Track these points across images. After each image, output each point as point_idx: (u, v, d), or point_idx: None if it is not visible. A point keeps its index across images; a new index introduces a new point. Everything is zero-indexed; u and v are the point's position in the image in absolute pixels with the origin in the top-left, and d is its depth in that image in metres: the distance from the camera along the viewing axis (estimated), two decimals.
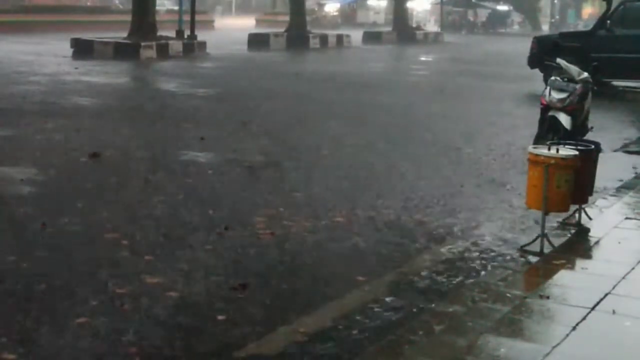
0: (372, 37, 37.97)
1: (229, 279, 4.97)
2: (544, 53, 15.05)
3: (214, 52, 25.02)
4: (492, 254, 5.72)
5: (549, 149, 5.79)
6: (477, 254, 5.73)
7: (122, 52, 22.19)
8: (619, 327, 4.29)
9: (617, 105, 15.10)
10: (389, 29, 42.50)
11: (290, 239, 5.95)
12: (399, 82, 19.71)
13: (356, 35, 36.11)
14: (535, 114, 8.76)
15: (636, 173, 8.65)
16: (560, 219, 6.41)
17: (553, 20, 64.29)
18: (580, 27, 47.02)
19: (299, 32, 31.64)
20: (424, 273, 5.29)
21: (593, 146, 6.43)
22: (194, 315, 4.47)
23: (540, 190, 5.66)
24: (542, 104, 8.11)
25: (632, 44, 16.61)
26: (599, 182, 6.98)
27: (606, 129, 11.30)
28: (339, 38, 33.51)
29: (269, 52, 28.09)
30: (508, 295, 4.70)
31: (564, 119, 7.81)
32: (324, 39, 32.34)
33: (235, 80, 18.01)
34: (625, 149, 10.38)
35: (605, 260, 5.55)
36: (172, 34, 26.03)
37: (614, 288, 4.81)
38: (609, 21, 17.13)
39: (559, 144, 6.08)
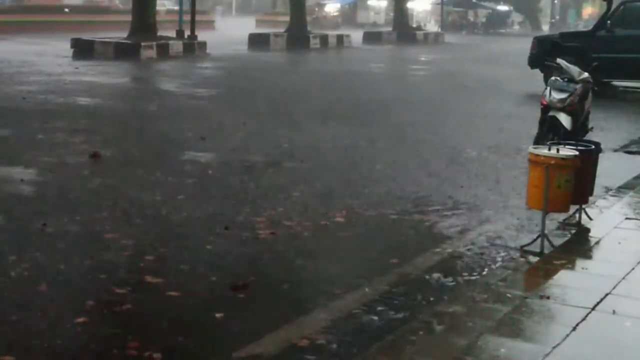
0: (372, 37, 38.00)
1: (229, 278, 4.96)
2: (544, 53, 15.05)
3: (214, 52, 25.02)
4: (492, 254, 5.72)
5: (549, 149, 5.79)
6: (477, 254, 5.73)
7: (123, 52, 22.19)
8: (619, 328, 4.28)
9: (617, 105, 15.10)
10: (389, 29, 42.51)
11: (290, 239, 5.95)
12: (399, 82, 19.72)
13: (356, 36, 36.15)
14: (535, 114, 8.75)
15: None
16: (560, 219, 6.41)
17: (553, 21, 64.29)
18: (581, 27, 47.00)
19: (299, 33, 31.66)
20: (424, 273, 5.28)
21: (593, 146, 6.43)
22: (194, 315, 4.47)
23: (541, 190, 5.66)
24: (542, 104, 8.11)
25: (632, 44, 16.61)
26: (599, 182, 6.98)
27: (606, 129, 11.30)
28: (339, 38, 33.53)
29: (269, 52, 28.10)
30: (508, 295, 4.70)
31: (564, 119, 7.81)
32: (324, 39, 32.36)
33: (235, 80, 18.01)
34: (626, 149, 10.38)
35: (606, 260, 5.55)
36: (172, 34, 26.05)
37: (614, 288, 4.81)
38: (609, 21, 17.12)
39: (559, 144, 6.08)
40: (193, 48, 24.74)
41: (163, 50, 23.17)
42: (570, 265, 5.39)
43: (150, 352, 3.93)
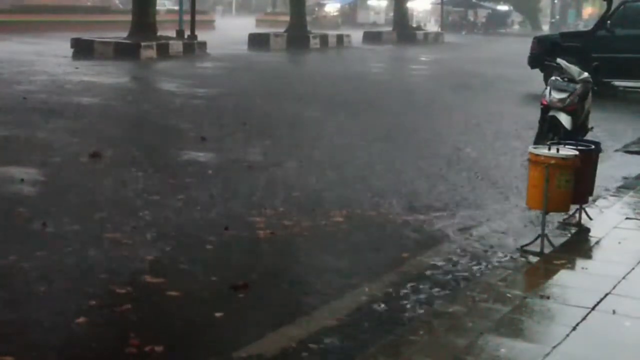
0: (372, 37, 37.98)
1: (229, 278, 4.96)
2: (544, 53, 15.06)
3: (214, 52, 25.02)
4: (492, 253, 5.72)
5: (550, 149, 5.79)
6: (477, 253, 5.72)
7: (122, 52, 22.18)
8: (619, 327, 4.28)
9: (617, 105, 15.10)
10: (389, 29, 42.50)
11: (290, 239, 5.95)
12: (399, 82, 19.73)
13: (356, 36, 36.14)
14: (535, 113, 8.76)
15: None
16: (560, 219, 6.41)
17: (553, 20, 64.25)
18: (581, 27, 47.00)
19: (299, 32, 31.65)
20: (423, 273, 5.28)
21: (593, 146, 6.43)
22: (194, 314, 4.47)
23: (541, 190, 5.66)
24: (542, 104, 8.11)
25: (632, 44, 16.61)
26: (599, 182, 6.98)
27: (606, 128, 11.30)
28: (339, 38, 33.53)
29: (269, 52, 28.10)
30: (508, 295, 4.70)
31: (564, 119, 7.81)
32: (324, 39, 32.35)
33: (236, 80, 18.01)
34: (626, 149, 10.37)
35: (606, 260, 5.55)
36: (172, 34, 26.04)
37: (614, 288, 4.81)
38: (609, 21, 17.13)
39: (559, 144, 6.08)
40: (193, 48, 24.74)
41: (163, 50, 23.16)
42: (570, 265, 5.40)
43: (150, 352, 3.93)
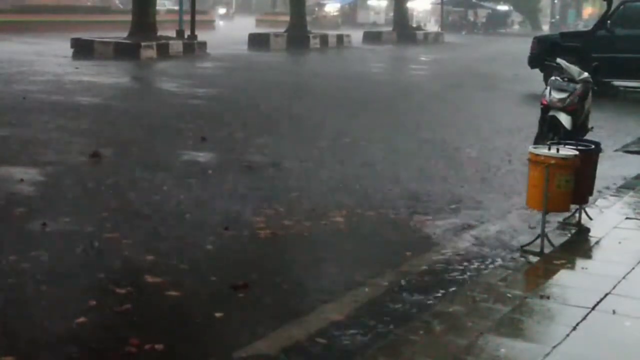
0: (372, 37, 38.01)
1: (229, 278, 4.96)
2: (544, 53, 15.06)
3: (214, 52, 25.03)
4: (492, 253, 5.72)
5: (549, 149, 5.79)
6: (477, 253, 5.72)
7: (122, 52, 22.19)
8: (619, 327, 4.28)
9: (617, 105, 15.10)
10: (389, 29, 42.52)
11: (290, 239, 5.95)
12: (399, 82, 19.72)
13: (356, 36, 36.15)
14: (535, 113, 8.75)
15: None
16: (560, 219, 6.41)
17: (553, 20, 64.28)
18: (581, 27, 47.00)
19: (299, 33, 31.66)
20: (423, 273, 5.28)
21: (593, 146, 6.42)
22: (194, 315, 4.47)
23: (541, 190, 5.66)
24: (542, 103, 8.11)
25: (632, 44, 16.61)
26: (599, 182, 6.97)
27: (606, 129, 11.30)
28: (339, 38, 33.55)
29: (269, 52, 28.10)
30: (508, 295, 4.70)
31: (564, 119, 7.80)
32: (324, 39, 32.37)
33: (236, 80, 18.01)
34: (626, 149, 10.37)
35: (606, 260, 5.55)
36: (172, 34, 26.05)
37: (614, 288, 4.81)
38: (609, 21, 17.13)
39: (559, 144, 6.08)
40: (193, 48, 24.74)
41: (163, 50, 23.17)
42: (570, 265, 5.40)
43: (150, 352, 3.93)
